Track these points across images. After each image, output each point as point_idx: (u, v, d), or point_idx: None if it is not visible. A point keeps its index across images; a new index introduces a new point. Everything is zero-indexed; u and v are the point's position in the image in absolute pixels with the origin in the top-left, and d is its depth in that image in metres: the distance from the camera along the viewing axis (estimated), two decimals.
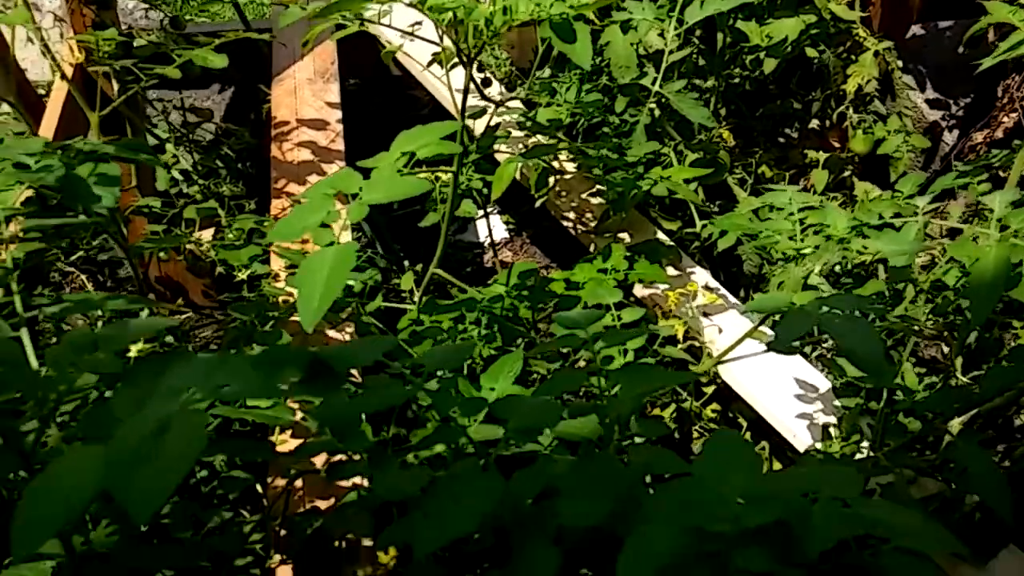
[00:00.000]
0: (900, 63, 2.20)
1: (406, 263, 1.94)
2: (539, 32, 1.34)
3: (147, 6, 2.41)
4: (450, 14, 1.05)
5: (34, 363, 0.74)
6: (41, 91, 2.31)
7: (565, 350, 1.50)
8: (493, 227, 2.76)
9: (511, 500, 0.77)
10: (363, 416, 1.10)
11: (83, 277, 2.01)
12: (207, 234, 1.94)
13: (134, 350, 1.07)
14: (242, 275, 1.49)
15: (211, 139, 1.96)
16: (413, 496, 0.96)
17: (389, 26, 1.41)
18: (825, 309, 0.91)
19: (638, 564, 0.62)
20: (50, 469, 0.53)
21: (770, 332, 1.59)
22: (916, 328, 1.33)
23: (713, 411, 1.85)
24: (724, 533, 0.62)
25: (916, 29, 2.58)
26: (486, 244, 2.68)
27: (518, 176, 1.87)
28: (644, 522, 0.68)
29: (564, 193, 1.94)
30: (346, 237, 1.84)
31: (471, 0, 1.05)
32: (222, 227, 1.62)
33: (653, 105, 1.83)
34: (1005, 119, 2.36)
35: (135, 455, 0.51)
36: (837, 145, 2.37)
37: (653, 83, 1.80)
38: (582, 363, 1.72)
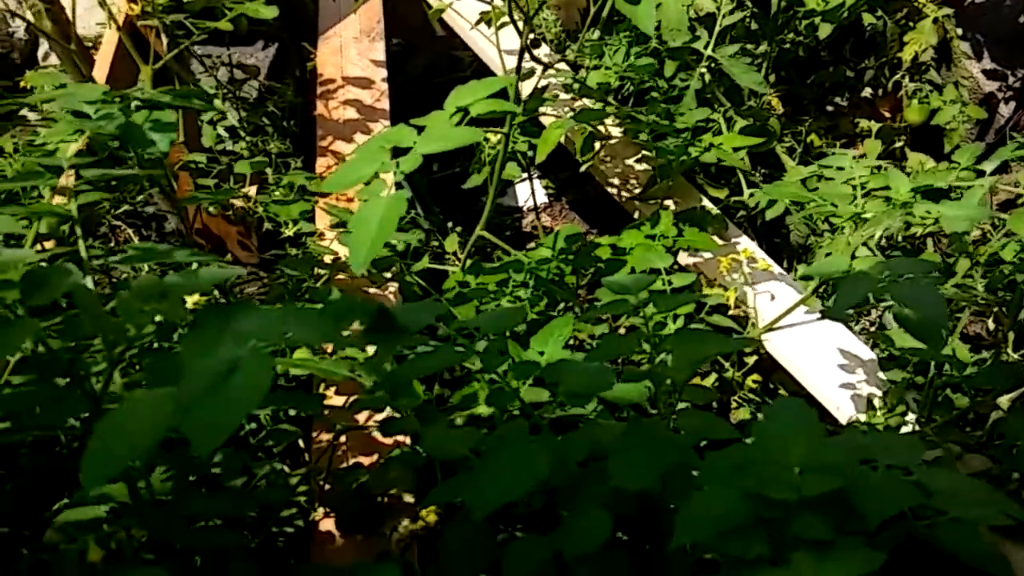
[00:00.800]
0: (959, 31, 2.13)
1: (449, 224, 1.94)
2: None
3: None
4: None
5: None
6: (88, 43, 2.33)
7: (608, 316, 1.50)
8: (533, 192, 2.74)
9: (562, 463, 0.77)
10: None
11: (129, 231, 2.03)
12: (252, 190, 1.95)
13: (190, 302, 1.08)
14: (289, 231, 1.50)
15: (256, 96, 1.96)
16: (461, 456, 0.97)
17: None
18: (887, 274, 0.89)
19: (696, 526, 0.62)
20: (123, 407, 0.54)
21: (817, 302, 1.57)
22: (974, 299, 1.30)
23: (754, 382, 1.84)
24: (784, 500, 0.62)
25: None
26: (525, 208, 2.67)
27: (562, 140, 1.85)
28: (700, 486, 0.68)
29: (609, 158, 1.92)
30: None
31: None
32: (268, 184, 1.63)
33: (704, 70, 1.80)
34: None
35: (206, 392, 0.52)
36: (888, 115, 2.32)
37: (705, 47, 1.76)
38: (622, 330, 1.71)
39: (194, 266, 1.21)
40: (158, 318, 0.61)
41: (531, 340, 1.10)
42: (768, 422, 0.67)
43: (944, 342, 1.43)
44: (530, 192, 2.64)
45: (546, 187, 2.76)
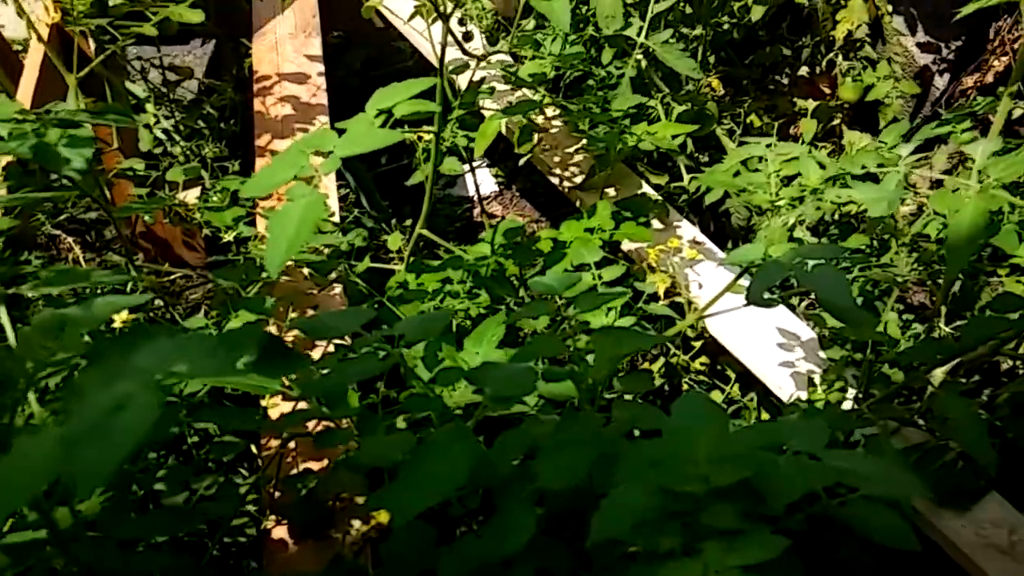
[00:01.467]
0: (890, 7, 2.17)
1: (394, 221, 1.94)
2: None
3: None
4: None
5: (11, 338, 0.74)
6: (18, 47, 2.28)
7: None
8: (482, 181, 2.74)
9: (490, 464, 0.78)
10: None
11: (71, 239, 2.00)
12: (192, 194, 1.92)
13: (118, 320, 1.07)
14: (228, 236, 1.49)
15: (192, 97, 1.93)
16: (397, 462, 0.98)
17: None
18: (798, 260, 0.91)
19: (611, 522, 0.64)
20: (13, 451, 0.54)
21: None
22: (898, 279, 1.34)
23: (702, 364, 1.87)
24: (693, 493, 0.64)
25: None
26: (476, 198, 2.67)
27: (503, 131, 1.85)
28: (619, 483, 0.69)
29: (549, 148, 1.93)
30: (332, 195, 1.84)
31: None
32: (205, 190, 1.61)
33: (639, 57, 1.81)
34: (996, 63, 2.33)
35: (91, 431, 0.52)
36: (828, 92, 2.35)
37: (639, 34, 1.77)
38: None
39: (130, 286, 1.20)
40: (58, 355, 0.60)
41: (465, 341, 1.11)
42: (675, 418, 0.69)
43: (877, 320, 1.47)
44: (480, 181, 2.65)
45: (495, 175, 2.77)
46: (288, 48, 2.02)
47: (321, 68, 1.98)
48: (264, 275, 1.43)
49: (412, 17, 1.71)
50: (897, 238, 1.37)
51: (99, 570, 0.74)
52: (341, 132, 1.09)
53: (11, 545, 0.88)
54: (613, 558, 0.81)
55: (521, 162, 1.84)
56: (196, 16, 1.48)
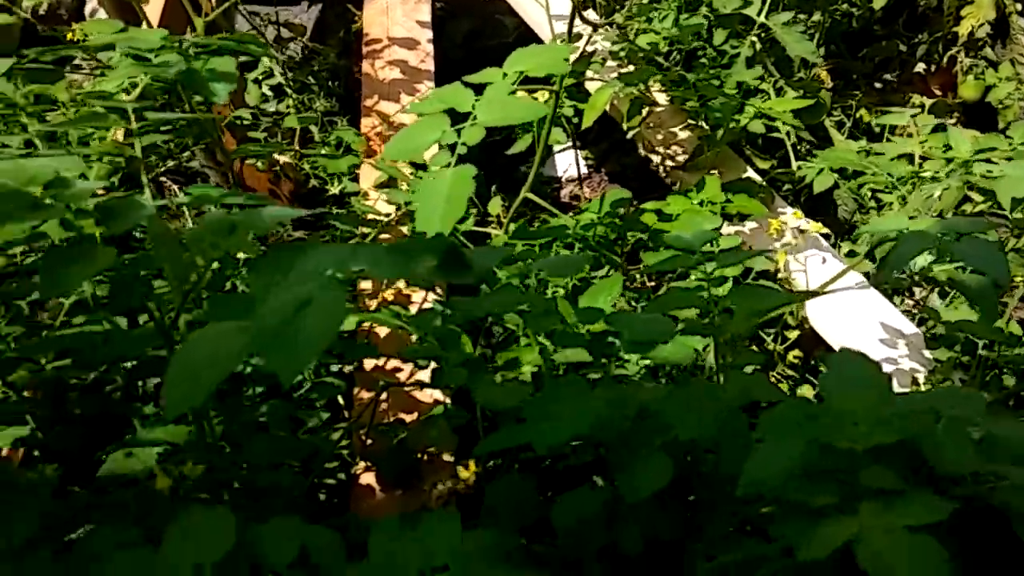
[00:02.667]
0: (1018, 6, 2.07)
1: (493, 188, 1.94)
2: None
3: None
4: None
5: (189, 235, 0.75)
6: None
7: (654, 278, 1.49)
8: (571, 163, 2.73)
9: (620, 409, 0.77)
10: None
11: (175, 187, 2.05)
12: (285, 158, 1.95)
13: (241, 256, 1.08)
14: (334, 189, 1.50)
15: (302, 56, 1.96)
16: (511, 407, 0.97)
17: None
18: (943, 234, 0.87)
19: (764, 472, 0.62)
20: (201, 336, 0.54)
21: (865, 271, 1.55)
22: None
23: (795, 357, 1.82)
24: (852, 450, 0.61)
25: None
26: (564, 179, 2.65)
27: (607, 109, 1.83)
28: (758, 440, 0.67)
29: (653, 126, 1.90)
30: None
31: None
32: (313, 143, 1.63)
33: (755, 38, 1.77)
34: None
35: (282, 324, 0.52)
36: (939, 92, 2.26)
37: (758, 14, 1.73)
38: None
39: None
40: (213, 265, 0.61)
41: (580, 299, 1.10)
42: (832, 374, 0.66)
43: (998, 313, 1.41)
44: (569, 162, 2.63)
45: (585, 158, 2.74)
46: (398, 12, 2.04)
47: (430, 34, 1.99)
48: (367, 230, 1.45)
49: None
50: None
51: (231, 480, 0.75)
52: (475, 90, 1.07)
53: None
54: (725, 527, 0.79)
55: (629, 135, 1.81)
56: None
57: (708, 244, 0.86)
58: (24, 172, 0.58)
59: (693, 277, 0.90)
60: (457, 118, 1.01)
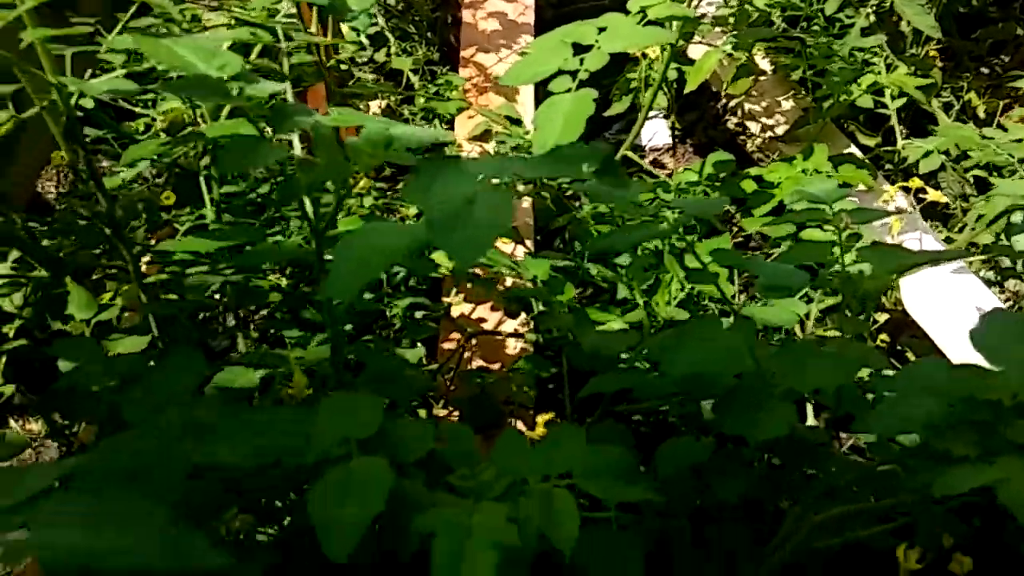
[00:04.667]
0: None
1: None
2: None
3: None
4: None
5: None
6: None
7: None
8: (656, 131, 2.69)
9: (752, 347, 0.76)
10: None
11: None
12: (375, 106, 1.96)
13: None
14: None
15: (400, 6, 1.97)
16: (617, 354, 0.97)
17: None
18: None
19: (900, 419, 0.61)
20: (366, 227, 0.56)
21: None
22: None
23: (882, 341, 1.78)
24: (999, 402, 0.60)
25: None
26: (648, 148, 2.62)
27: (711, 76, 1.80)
28: (899, 388, 0.66)
29: (756, 94, 1.86)
30: (528, 109, 1.83)
31: None
32: (415, 89, 1.64)
33: (871, 8, 1.71)
34: None
35: (453, 216, 0.52)
36: None
37: None
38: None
39: None
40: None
41: (684, 257, 1.09)
42: (981, 329, 0.64)
43: None
44: (655, 131, 2.59)
45: (671, 127, 2.71)
46: None
47: None
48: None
49: None
50: None
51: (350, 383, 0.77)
52: (599, 30, 1.07)
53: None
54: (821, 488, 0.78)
55: (731, 103, 1.78)
56: None
57: (842, 198, 0.84)
58: (214, 57, 0.60)
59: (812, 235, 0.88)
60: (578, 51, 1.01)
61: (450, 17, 2.11)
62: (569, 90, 0.95)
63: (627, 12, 1.26)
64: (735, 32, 1.61)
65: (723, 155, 1.43)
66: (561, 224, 1.57)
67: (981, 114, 2.08)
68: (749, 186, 1.47)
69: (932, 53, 2.08)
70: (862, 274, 0.75)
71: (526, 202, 1.62)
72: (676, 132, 2.69)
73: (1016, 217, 1.48)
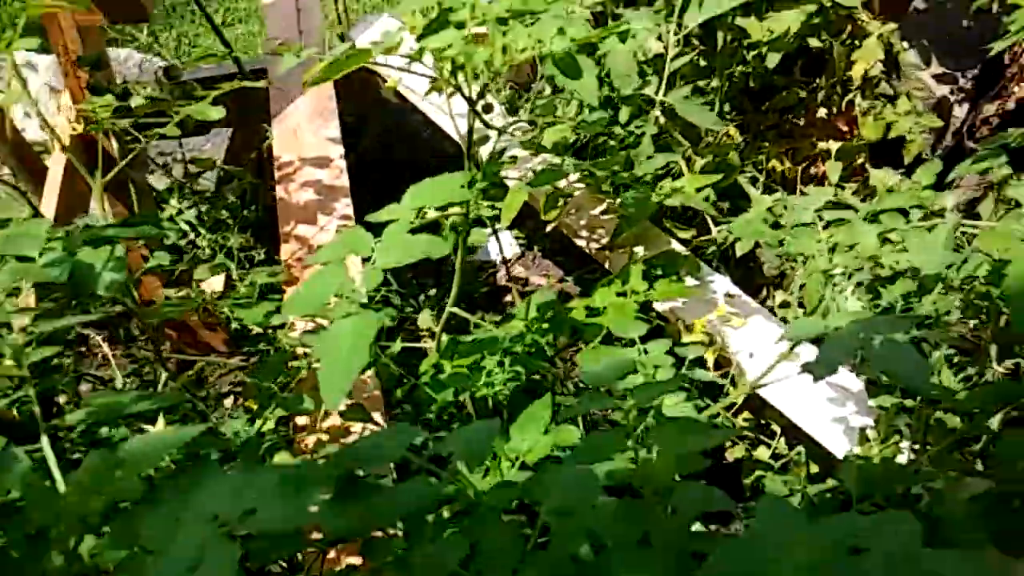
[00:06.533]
0: (904, 44, 2.16)
1: (423, 296, 1.93)
2: (542, 68, 1.32)
3: (142, 55, 2.39)
4: (449, 62, 1.03)
5: (58, 477, 0.72)
6: (39, 149, 2.31)
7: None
8: (505, 244, 2.73)
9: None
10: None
11: (99, 339, 2.00)
12: (218, 281, 1.92)
13: (160, 424, 1.05)
14: (257, 328, 1.47)
15: (214, 190, 1.94)
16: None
17: (386, 64, 1.39)
18: (864, 336, 0.88)
19: None
20: None
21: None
22: (951, 331, 1.29)
23: (745, 420, 1.82)
24: None
25: (918, 3, 2.52)
26: (499, 261, 2.66)
27: (527, 198, 1.84)
28: None
29: (575, 211, 1.92)
30: (357, 272, 1.82)
31: (469, 44, 1.02)
32: (232, 281, 1.60)
33: (658, 113, 1.80)
34: (1016, 88, 2.30)
35: None
36: (846, 130, 2.33)
37: (656, 92, 1.76)
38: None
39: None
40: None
41: (511, 430, 1.08)
42: (758, 524, 0.65)
43: (931, 371, 1.42)
44: (503, 244, 2.64)
45: (517, 237, 2.76)
46: (307, 132, 2.04)
47: (341, 150, 1.99)
48: (294, 366, 1.42)
49: (429, 93, 1.71)
50: (944, 283, 1.33)
51: None
52: (371, 227, 1.07)
53: None
54: None
55: (548, 228, 1.82)
56: (217, 113, 1.49)
57: (626, 371, 0.85)
58: None
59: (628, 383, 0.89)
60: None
61: (270, 186, 2.10)
62: (350, 314, 0.93)
63: (450, 143, 1.26)
64: (535, 171, 1.66)
65: (544, 295, 1.45)
66: (407, 388, 1.55)
67: (789, 175, 2.21)
68: (580, 314, 1.49)
69: (731, 130, 2.21)
70: (652, 467, 0.75)
71: (369, 373, 1.60)
72: (521, 241, 2.75)
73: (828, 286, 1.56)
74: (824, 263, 1.21)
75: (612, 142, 1.84)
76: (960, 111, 2.48)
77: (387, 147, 2.40)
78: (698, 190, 1.63)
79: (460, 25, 1.07)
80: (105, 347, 1.97)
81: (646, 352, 1.23)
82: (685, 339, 1.62)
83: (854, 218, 1.19)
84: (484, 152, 1.88)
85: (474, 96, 1.15)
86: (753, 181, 2.08)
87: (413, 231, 1.09)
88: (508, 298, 2.62)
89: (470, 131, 1.25)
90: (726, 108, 2.20)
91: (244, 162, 2.31)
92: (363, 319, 0.91)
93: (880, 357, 0.84)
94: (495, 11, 1.04)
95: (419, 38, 1.10)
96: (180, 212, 1.81)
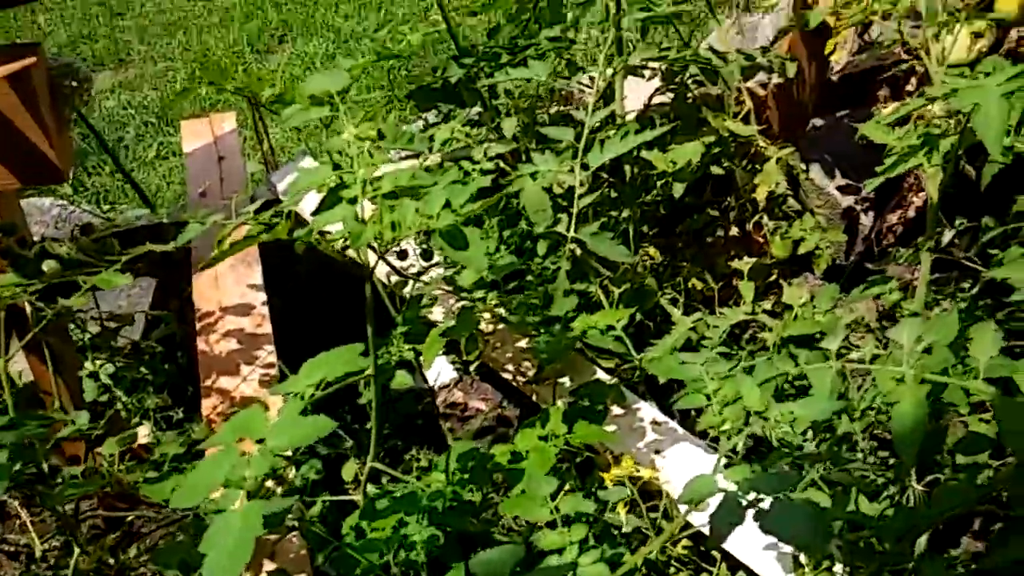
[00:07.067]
0: (803, 165, 2.27)
1: (350, 444, 1.91)
2: (432, 240, 1.36)
3: (61, 207, 2.40)
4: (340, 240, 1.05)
5: None
6: None
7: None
8: (441, 370, 2.73)
9: None
10: None
11: (16, 503, 1.92)
12: (144, 431, 1.87)
13: None
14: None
15: (131, 348, 1.92)
16: None
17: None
18: (754, 496, 0.89)
19: None
20: None
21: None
22: (856, 473, 1.33)
23: (684, 548, 1.80)
24: None
25: (816, 121, 2.68)
26: (437, 387, 2.64)
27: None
28: None
29: (499, 345, 1.93)
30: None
31: (356, 225, 1.05)
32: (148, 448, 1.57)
33: (573, 247, 1.85)
34: (915, 199, 2.43)
35: None
36: (761, 241, 2.42)
37: (568, 229, 1.81)
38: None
39: None
40: None
41: None
42: None
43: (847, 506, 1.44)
44: (439, 370, 2.63)
45: (453, 362, 2.75)
46: (229, 280, 2.04)
47: (263, 297, 2.00)
48: None
49: (345, 247, 1.74)
50: (849, 414, 1.37)
51: None
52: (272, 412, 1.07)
53: None
54: None
55: (472, 368, 1.83)
56: (125, 279, 1.49)
57: (518, 559, 0.85)
58: None
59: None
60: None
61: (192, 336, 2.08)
62: (241, 502, 0.92)
63: None
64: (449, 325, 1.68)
65: (464, 446, 1.45)
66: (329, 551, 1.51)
67: (707, 293, 2.26)
68: (504, 459, 1.48)
69: (652, 251, 2.28)
70: None
71: (294, 534, 1.56)
72: (458, 366, 2.74)
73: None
74: (713, 419, 1.23)
75: (531, 277, 1.88)
76: (867, 219, 2.60)
77: (316, 287, 2.41)
78: (609, 328, 1.67)
79: (353, 200, 1.10)
80: (24, 514, 1.89)
81: (558, 509, 1.22)
82: (615, 470, 1.63)
83: (737, 372, 1.22)
84: (407, 291, 1.91)
85: (371, 268, 1.17)
86: (674, 302, 2.13)
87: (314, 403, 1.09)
88: (449, 424, 2.60)
89: (374, 288, 1.27)
90: (644, 228, 2.27)
91: (169, 308, 2.30)
92: (249, 510, 0.90)
93: (771, 518, 0.85)
94: (384, 187, 1.08)
95: (313, 213, 1.13)
96: (94, 374, 1.77)
